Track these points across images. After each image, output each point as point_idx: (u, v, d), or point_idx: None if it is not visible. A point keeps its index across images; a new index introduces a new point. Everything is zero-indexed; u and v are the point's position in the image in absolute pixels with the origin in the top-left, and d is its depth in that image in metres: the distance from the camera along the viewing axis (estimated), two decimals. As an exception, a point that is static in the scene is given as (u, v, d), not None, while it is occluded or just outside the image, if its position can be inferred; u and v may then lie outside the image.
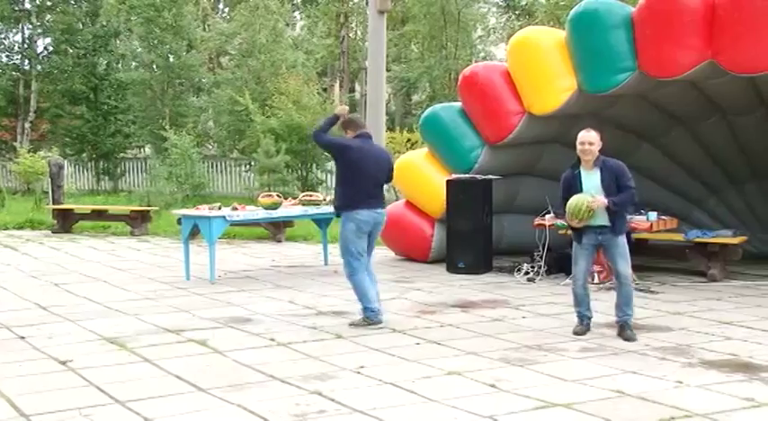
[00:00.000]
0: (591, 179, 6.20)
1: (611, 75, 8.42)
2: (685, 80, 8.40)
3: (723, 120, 9.90)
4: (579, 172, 6.26)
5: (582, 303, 6.26)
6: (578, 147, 6.18)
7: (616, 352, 5.62)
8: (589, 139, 6.22)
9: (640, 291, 8.04)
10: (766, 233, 10.43)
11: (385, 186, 7.01)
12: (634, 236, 9.17)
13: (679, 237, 9.08)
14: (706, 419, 4.21)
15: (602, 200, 6.06)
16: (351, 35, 30.91)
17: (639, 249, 9.38)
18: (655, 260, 9.47)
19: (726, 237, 8.83)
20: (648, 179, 10.39)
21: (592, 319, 6.29)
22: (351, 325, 6.49)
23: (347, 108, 6.98)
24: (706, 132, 10.09)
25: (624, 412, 4.33)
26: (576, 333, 6.14)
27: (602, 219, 6.13)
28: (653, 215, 8.52)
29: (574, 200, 6.11)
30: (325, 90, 24.04)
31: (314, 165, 18.64)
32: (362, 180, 6.51)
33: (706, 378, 4.95)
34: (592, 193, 6.11)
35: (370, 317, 6.47)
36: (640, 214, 8.57)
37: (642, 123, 9.94)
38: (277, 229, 12.48)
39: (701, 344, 5.79)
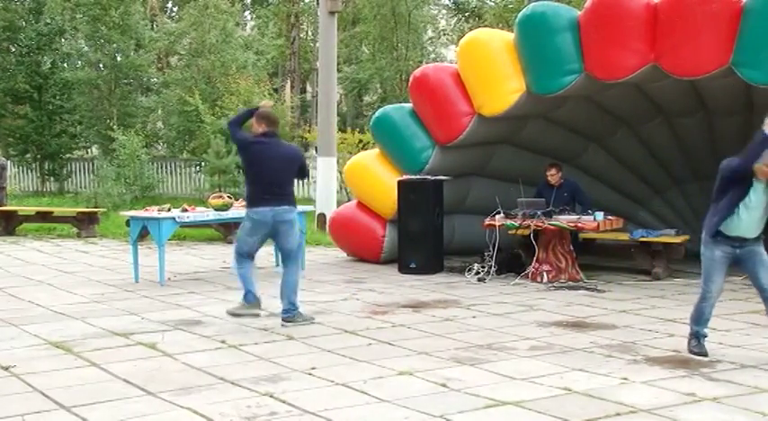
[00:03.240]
0: None
1: (558, 77, 8.57)
2: (630, 82, 8.59)
3: (666, 122, 10.15)
4: None
5: (704, 322, 5.66)
6: None
7: (564, 350, 5.72)
8: None
9: (587, 289, 8.21)
10: (708, 232, 10.70)
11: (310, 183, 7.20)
12: (581, 235, 9.37)
13: (625, 236, 9.28)
14: (650, 415, 4.32)
15: None
16: (302, 36, 30.78)
17: (587, 249, 9.61)
18: (601, 259, 9.67)
19: (669, 237, 9.05)
20: (595, 179, 10.61)
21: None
22: (229, 312, 6.59)
23: (272, 103, 7.00)
24: (650, 134, 10.33)
25: (571, 409, 4.41)
26: (700, 353, 5.50)
27: (751, 231, 5.47)
28: (600, 215, 8.69)
29: None
30: (276, 91, 23.93)
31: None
32: (262, 178, 6.49)
33: (650, 374, 5.07)
34: None
35: (250, 301, 6.53)
36: (588, 214, 8.73)
37: (589, 125, 10.13)
38: (228, 231, 12.36)
39: (645, 342, 5.93)
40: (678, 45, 7.85)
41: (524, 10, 9.05)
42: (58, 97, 23.44)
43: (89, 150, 26.72)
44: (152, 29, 24.59)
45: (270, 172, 6.49)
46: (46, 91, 23.41)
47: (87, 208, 14.85)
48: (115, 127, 18.91)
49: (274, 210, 6.50)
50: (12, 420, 4.30)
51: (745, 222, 5.41)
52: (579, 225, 8.63)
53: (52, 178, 23.52)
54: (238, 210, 9.46)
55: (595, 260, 9.52)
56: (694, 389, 4.73)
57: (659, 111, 9.95)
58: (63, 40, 23.64)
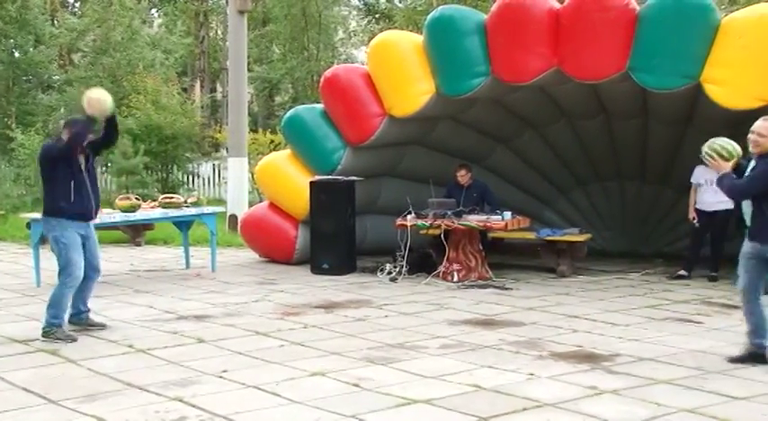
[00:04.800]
0: None
1: (466, 79, 8.73)
2: (535, 86, 8.84)
3: (569, 125, 10.49)
4: None
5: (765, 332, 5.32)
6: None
7: (473, 347, 5.84)
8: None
9: (496, 287, 8.40)
10: (609, 230, 11.14)
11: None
12: (490, 235, 9.58)
13: (531, 235, 9.54)
14: (555, 409, 4.47)
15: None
16: (211, 35, 30.30)
17: (495, 247, 9.84)
18: (510, 258, 9.93)
19: (573, 235, 9.37)
20: (503, 180, 10.86)
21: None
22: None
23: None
24: (554, 136, 10.66)
25: (480, 405, 4.51)
26: None
27: None
28: (508, 214, 8.89)
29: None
30: (185, 90, 23.47)
31: (174, 167, 18.15)
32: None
33: (555, 369, 5.24)
34: None
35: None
36: (496, 214, 8.93)
37: (497, 126, 10.37)
38: (136, 233, 12.07)
39: (550, 338, 6.12)
40: (579, 50, 8.14)
41: (433, 13, 9.18)
42: (-51, 94, 22.34)
43: (-15, 150, 25.54)
44: (53, 24, 23.70)
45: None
46: (-63, 88, 22.27)
47: (-16, 210, 14.20)
48: (14, 126, 18.13)
49: None
50: None
51: None
52: (488, 224, 8.81)
53: (-55, 179, 22.36)
54: (146, 212, 9.27)
55: (504, 259, 9.76)
56: (596, 383, 4.92)
57: (563, 113, 10.27)
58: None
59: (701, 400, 4.56)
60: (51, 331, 6.06)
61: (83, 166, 6.21)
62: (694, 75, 7.89)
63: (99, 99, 6.18)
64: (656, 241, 10.74)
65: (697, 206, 8.85)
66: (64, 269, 6.15)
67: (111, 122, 6.35)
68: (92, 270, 6.39)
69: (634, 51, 7.98)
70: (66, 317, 6.30)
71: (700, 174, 8.80)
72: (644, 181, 10.78)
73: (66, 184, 6.09)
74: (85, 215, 6.24)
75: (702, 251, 8.95)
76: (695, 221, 8.89)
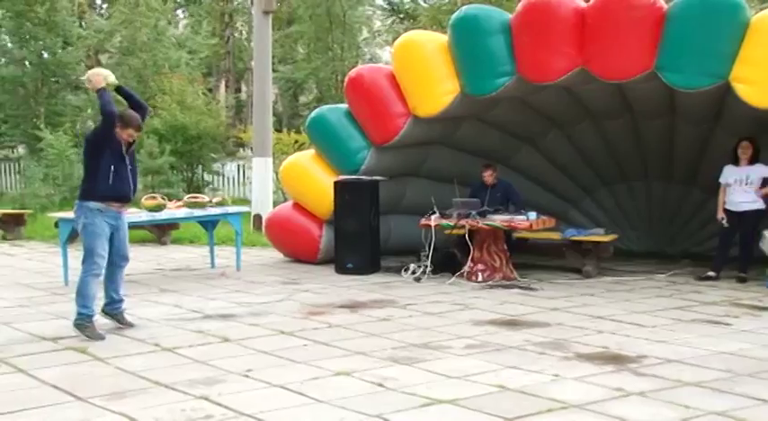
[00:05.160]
0: None
1: (490, 78, 8.70)
2: (560, 85, 8.79)
3: (594, 125, 10.41)
4: None
5: None
6: None
7: (498, 348, 5.82)
8: None
9: (521, 288, 8.37)
10: (634, 230, 11.05)
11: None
12: (515, 235, 9.54)
13: (556, 235, 9.49)
14: (581, 410, 4.44)
15: None
16: (236, 35, 30.48)
17: (520, 248, 9.79)
18: (534, 258, 9.88)
19: (599, 236, 9.30)
20: (528, 180, 10.82)
21: None
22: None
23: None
24: (580, 135, 10.59)
25: (505, 406, 4.49)
26: None
27: None
28: (533, 214, 8.85)
29: None
30: (210, 90, 23.62)
31: (200, 167, 18.28)
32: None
33: (580, 370, 5.20)
34: None
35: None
36: (521, 214, 8.89)
37: (522, 126, 10.32)
38: (162, 232, 12.17)
39: (576, 339, 6.08)
40: (605, 49, 8.08)
41: (457, 12, 9.16)
42: (-21, 95, 22.67)
43: (15, 150, 25.90)
44: (80, 26, 23.96)
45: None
46: (-32, 89, 22.62)
47: (13, 209, 14.39)
48: (42, 126, 18.36)
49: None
50: (-66, 430, 4.16)
51: None
52: (513, 224, 8.78)
53: (-25, 179, 22.73)
54: (172, 212, 9.35)
55: (529, 259, 9.72)
56: (622, 385, 4.88)
57: (588, 113, 10.20)
58: (-16, 36, 22.88)
59: (730, 403, 4.51)
60: (83, 324, 6.12)
61: (124, 151, 6.30)
62: (723, 74, 7.79)
63: (92, 72, 6.44)
64: (683, 241, 10.63)
65: (726, 206, 8.74)
66: (86, 256, 6.22)
67: (122, 92, 6.49)
68: (120, 257, 6.45)
69: (661, 50, 7.90)
70: (98, 307, 6.36)
71: (729, 174, 8.70)
72: (670, 181, 10.68)
73: (106, 168, 6.16)
74: (121, 198, 6.29)
75: (731, 251, 8.85)
76: (724, 221, 8.79)
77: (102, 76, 6.37)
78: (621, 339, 6.05)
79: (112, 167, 6.18)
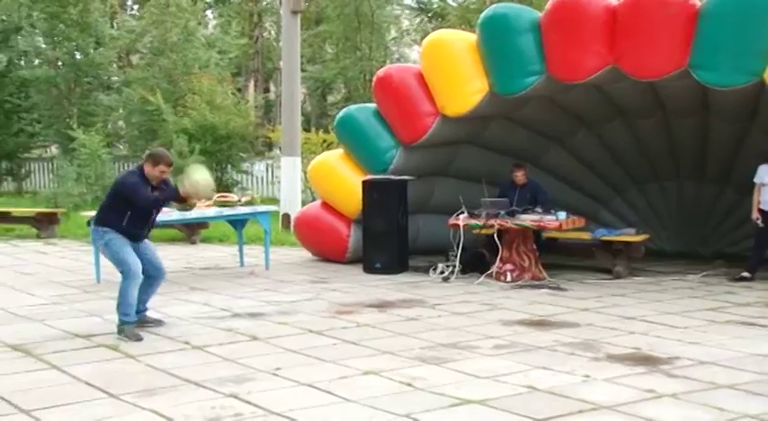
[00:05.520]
0: None
1: (520, 77, 8.65)
2: (590, 84, 8.71)
3: (625, 123, 10.31)
4: None
5: None
6: None
7: (527, 348, 5.78)
8: None
9: (550, 288, 8.31)
10: (666, 230, 10.92)
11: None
12: (544, 235, 9.48)
13: (586, 235, 9.41)
14: (611, 411, 4.39)
15: None
16: (265, 35, 30.63)
17: (549, 247, 9.72)
18: (564, 258, 9.79)
19: (629, 236, 9.20)
20: (558, 179, 10.73)
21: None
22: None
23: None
24: (610, 134, 10.49)
25: (535, 406, 4.46)
26: None
27: None
28: (562, 214, 8.79)
29: None
30: (239, 90, 23.76)
31: (229, 166, 18.40)
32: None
33: (611, 371, 5.15)
34: None
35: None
36: (550, 214, 8.83)
37: (551, 125, 10.25)
38: (191, 231, 12.27)
39: (606, 339, 6.02)
40: (637, 47, 7.98)
41: (486, 11, 9.12)
42: (15, 95, 23.01)
43: (48, 149, 26.29)
44: (112, 26, 24.24)
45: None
46: (2, 89, 22.96)
47: (47, 208, 14.60)
48: (75, 126, 18.61)
49: None
50: (-30, 425, 4.23)
51: None
52: (542, 224, 8.72)
53: (10, 178, 23.08)
54: (201, 211, 9.41)
55: (558, 259, 9.64)
56: (654, 386, 4.82)
57: (619, 112, 10.10)
58: (19, 37, 23.20)
59: (765, 406, 4.43)
60: (123, 330, 6.16)
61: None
62: (759, 71, 7.66)
63: (205, 186, 6.32)
64: (716, 242, 10.48)
65: (761, 206, 8.60)
66: (120, 267, 6.28)
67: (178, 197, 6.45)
68: (155, 268, 6.48)
69: (695, 48, 7.79)
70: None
71: (764, 173, 8.57)
72: (703, 180, 10.53)
73: (124, 211, 6.20)
74: (132, 238, 6.29)
75: (766, 252, 8.70)
76: (759, 222, 8.64)
77: (204, 195, 6.43)
78: (653, 340, 5.98)
79: (129, 213, 6.20)
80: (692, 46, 7.82)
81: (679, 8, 7.82)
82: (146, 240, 6.49)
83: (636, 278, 8.88)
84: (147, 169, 6.23)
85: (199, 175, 6.37)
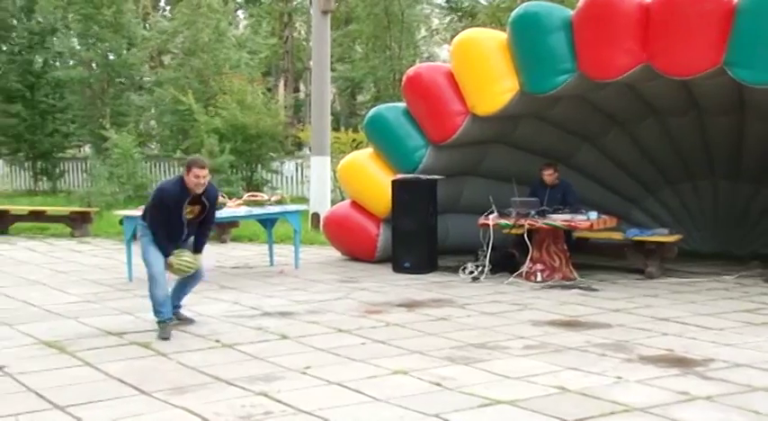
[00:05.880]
0: None
1: (551, 76, 8.58)
2: (622, 82, 8.61)
3: (658, 122, 10.18)
4: None
5: None
6: None
7: (558, 349, 5.73)
8: None
9: (581, 288, 8.23)
10: (700, 231, 10.76)
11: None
12: (575, 235, 9.39)
13: (618, 235, 9.30)
14: (644, 413, 4.33)
15: None
16: (295, 35, 30.77)
17: (580, 247, 9.63)
18: (595, 258, 9.70)
19: (662, 236, 9.08)
20: (589, 179, 10.63)
21: None
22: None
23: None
24: (643, 133, 10.37)
25: (566, 408, 4.42)
26: None
27: None
28: (593, 214, 8.71)
29: None
30: (269, 90, 23.89)
31: (259, 166, 18.51)
32: None
33: (644, 373, 5.09)
34: None
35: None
36: (582, 213, 8.75)
37: (582, 124, 10.15)
38: (222, 230, 12.35)
39: (638, 340, 5.95)
40: (671, 45, 7.88)
41: (517, 9, 9.05)
42: (50, 96, 23.36)
43: (82, 149, 26.66)
44: (145, 27, 24.51)
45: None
46: (38, 90, 23.32)
47: (80, 207, 14.79)
48: (108, 126, 18.84)
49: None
50: (5, 420, 4.28)
51: None
52: (573, 224, 8.64)
53: (45, 177, 23.42)
54: (231, 210, 9.47)
55: (589, 259, 9.55)
56: (688, 388, 4.75)
57: (652, 110, 9.98)
58: (55, 38, 23.55)
59: (802, 410, 4.35)
60: (159, 325, 6.24)
61: (185, 219, 6.29)
62: (796, 69, 7.52)
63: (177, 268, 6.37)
64: (751, 242, 10.31)
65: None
66: (146, 270, 6.35)
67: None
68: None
69: (731, 45, 7.66)
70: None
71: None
72: (738, 179, 10.36)
73: (159, 219, 6.26)
74: (163, 250, 6.31)
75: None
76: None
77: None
78: (687, 342, 5.90)
79: (166, 220, 6.24)
80: (727, 43, 7.68)
81: (715, 5, 7.70)
82: (188, 241, 6.52)
83: (669, 279, 8.77)
84: (185, 177, 6.24)
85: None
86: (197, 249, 6.50)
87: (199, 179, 6.19)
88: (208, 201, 6.39)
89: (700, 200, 10.87)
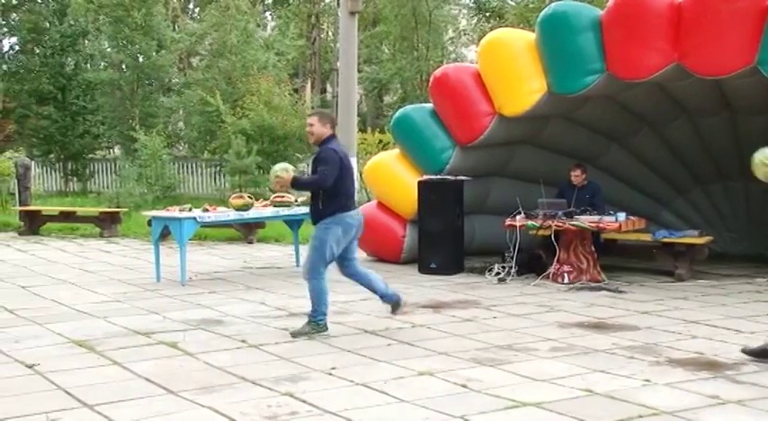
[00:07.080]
0: None
1: (580, 76, 8.52)
2: (652, 82, 8.52)
3: (689, 122, 10.05)
4: None
5: None
6: None
7: (585, 351, 5.68)
8: None
9: (609, 290, 8.15)
10: (731, 232, 10.60)
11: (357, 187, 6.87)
12: (603, 236, 9.30)
13: (647, 237, 9.20)
14: (673, 417, 4.27)
15: None
16: (322, 36, 30.86)
17: (608, 249, 9.54)
18: (623, 260, 9.60)
19: (692, 238, 8.96)
20: (617, 180, 10.53)
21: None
22: (293, 334, 6.19)
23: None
24: (673, 133, 10.24)
25: (593, 411, 4.38)
26: None
27: None
28: (622, 215, 8.62)
29: None
30: (296, 91, 23.99)
31: (286, 167, 18.56)
32: (348, 183, 6.34)
33: (673, 376, 5.02)
34: None
35: (321, 322, 6.22)
36: (610, 215, 8.66)
37: (611, 124, 10.06)
38: (248, 231, 12.42)
39: (667, 343, 5.87)
40: (702, 44, 7.77)
41: (546, 9, 9.00)
42: (81, 98, 23.67)
43: (111, 150, 26.96)
44: (174, 30, 24.74)
45: (351, 176, 6.40)
46: (69, 92, 23.65)
47: (110, 208, 14.97)
48: (137, 127, 19.04)
49: (360, 214, 6.44)
50: (36, 418, 4.33)
51: None
52: (601, 225, 8.56)
53: (75, 178, 23.73)
54: (258, 211, 9.51)
55: (617, 261, 9.45)
56: (718, 392, 4.68)
57: (682, 110, 9.86)
58: (86, 41, 23.87)
59: (835, 416, 4.26)
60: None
61: None
62: (831, 68, 7.39)
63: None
64: (784, 245, 10.14)
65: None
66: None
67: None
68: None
69: (764, 44, 7.54)
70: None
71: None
72: (771, 181, 10.19)
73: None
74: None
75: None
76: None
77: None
78: (717, 345, 5.81)
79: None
80: (761, 42, 7.56)
81: (748, 3, 7.59)
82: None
83: (699, 281, 8.65)
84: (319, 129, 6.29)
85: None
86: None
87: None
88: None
89: (731, 201, 10.71)
